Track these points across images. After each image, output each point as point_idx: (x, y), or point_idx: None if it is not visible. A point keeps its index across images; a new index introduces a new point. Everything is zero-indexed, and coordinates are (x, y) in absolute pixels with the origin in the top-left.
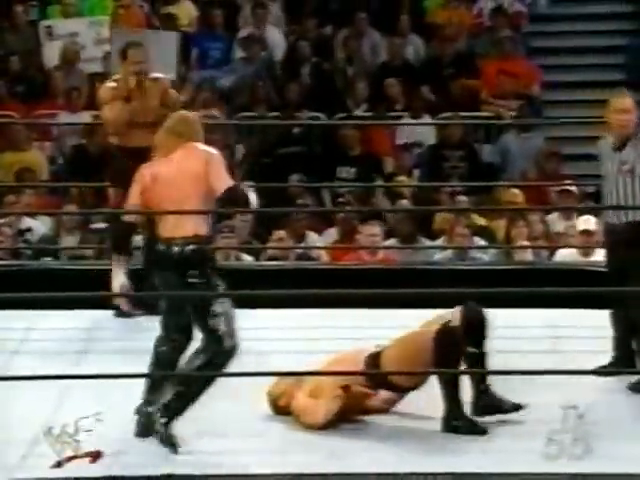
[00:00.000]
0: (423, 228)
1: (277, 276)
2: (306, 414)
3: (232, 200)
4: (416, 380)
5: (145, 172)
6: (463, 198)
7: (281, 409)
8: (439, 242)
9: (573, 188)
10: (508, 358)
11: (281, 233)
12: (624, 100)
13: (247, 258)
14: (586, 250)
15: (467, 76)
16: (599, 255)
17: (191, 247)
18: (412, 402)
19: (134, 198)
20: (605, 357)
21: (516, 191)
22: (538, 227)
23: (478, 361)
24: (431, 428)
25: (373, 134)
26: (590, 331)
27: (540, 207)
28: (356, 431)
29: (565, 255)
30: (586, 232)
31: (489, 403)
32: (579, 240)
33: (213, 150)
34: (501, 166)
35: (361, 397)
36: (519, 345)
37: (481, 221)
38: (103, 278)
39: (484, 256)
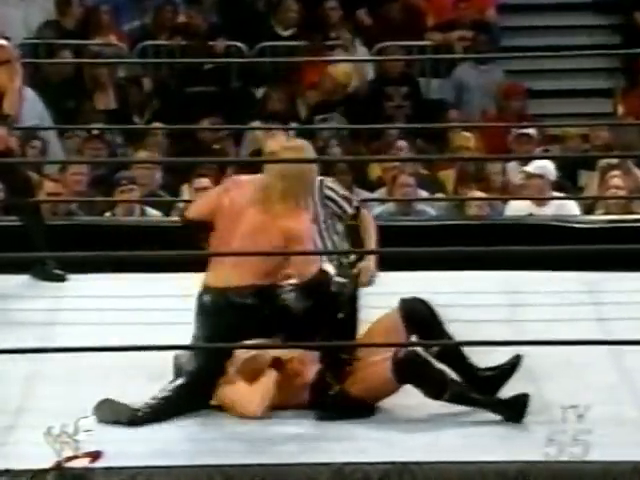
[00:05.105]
0: (359, 178)
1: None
2: (241, 403)
3: None
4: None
5: None
6: (405, 144)
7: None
8: (379, 194)
9: (532, 131)
10: (462, 328)
11: (204, 181)
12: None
13: (154, 212)
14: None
15: None
16: (555, 206)
17: None
18: None
19: None
20: (571, 326)
21: (467, 134)
22: (494, 177)
23: (453, 353)
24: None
25: (303, 66)
26: (553, 297)
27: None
28: (288, 419)
29: (518, 207)
30: (538, 176)
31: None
32: (531, 186)
33: None
34: (455, 104)
35: (294, 375)
36: (475, 314)
37: (426, 170)
38: None
39: (430, 210)
